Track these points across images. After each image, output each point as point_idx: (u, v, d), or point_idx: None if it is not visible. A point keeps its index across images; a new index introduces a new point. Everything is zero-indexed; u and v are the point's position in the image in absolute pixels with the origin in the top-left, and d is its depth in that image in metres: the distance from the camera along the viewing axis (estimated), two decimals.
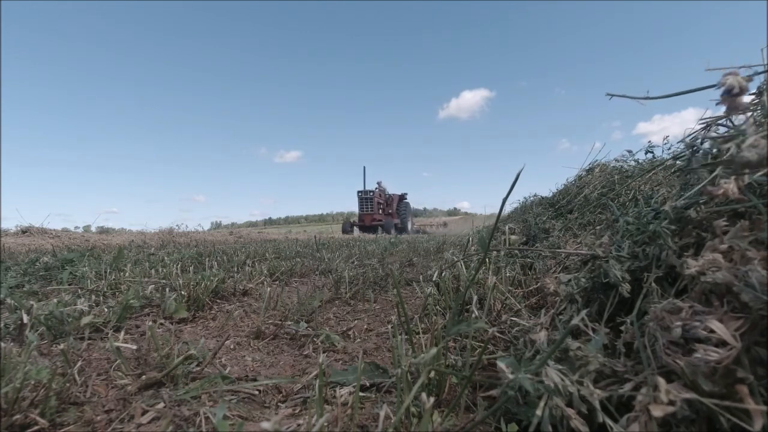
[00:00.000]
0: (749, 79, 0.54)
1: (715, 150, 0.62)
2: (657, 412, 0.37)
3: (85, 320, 1.00)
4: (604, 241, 0.81)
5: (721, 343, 0.41)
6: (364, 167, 18.28)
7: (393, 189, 21.00)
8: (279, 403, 0.69)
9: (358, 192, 17.96)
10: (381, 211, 18.77)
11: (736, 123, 0.72)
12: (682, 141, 0.77)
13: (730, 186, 0.53)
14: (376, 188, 19.30)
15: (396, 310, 1.36)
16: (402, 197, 21.36)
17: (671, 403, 0.38)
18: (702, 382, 0.40)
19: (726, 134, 0.60)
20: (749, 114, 0.72)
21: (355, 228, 17.44)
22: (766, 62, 0.74)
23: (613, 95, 0.78)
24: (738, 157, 0.52)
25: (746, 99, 0.54)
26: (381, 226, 16.26)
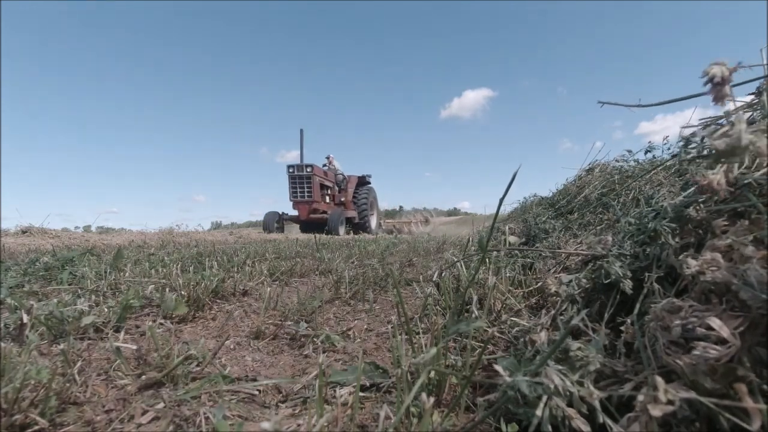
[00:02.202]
0: (733, 69, 0.54)
1: (707, 144, 0.62)
2: (656, 411, 0.37)
3: (86, 320, 1.00)
4: (605, 239, 0.81)
5: (721, 341, 0.41)
6: (302, 130, 11.40)
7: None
8: (279, 403, 0.69)
9: (289, 168, 11.06)
10: (329, 199, 12.26)
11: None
12: (681, 140, 0.77)
13: (717, 177, 0.53)
14: (324, 164, 12.85)
15: (396, 310, 1.36)
16: (363, 180, 14.39)
17: (670, 402, 0.38)
18: (702, 380, 0.40)
19: (715, 128, 0.61)
20: (751, 113, 0.72)
21: (291, 224, 11.57)
22: (766, 62, 0.74)
23: (604, 103, 0.79)
24: (709, 145, 0.52)
25: (729, 89, 0.54)
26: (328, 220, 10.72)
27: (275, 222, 11.02)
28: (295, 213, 11.42)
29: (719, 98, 0.55)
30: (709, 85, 0.55)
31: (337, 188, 13.30)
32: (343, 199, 13.28)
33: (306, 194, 11.11)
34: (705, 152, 0.63)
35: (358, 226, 13.20)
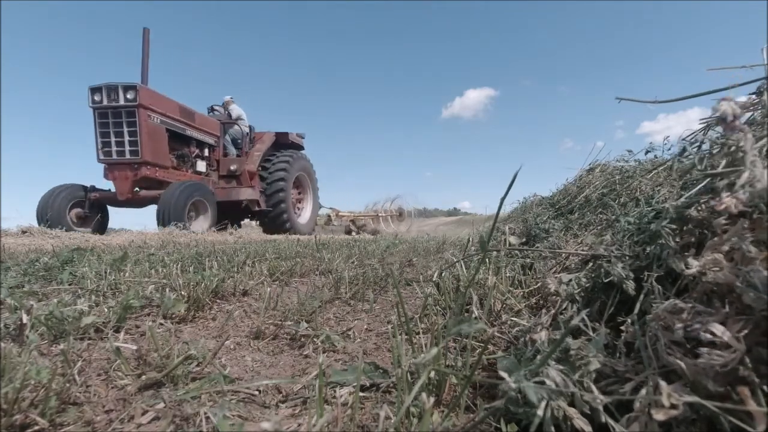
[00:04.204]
0: (743, 104, 0.55)
1: (713, 153, 0.62)
2: (660, 416, 0.37)
3: (86, 320, 1.00)
4: (606, 239, 0.81)
5: (725, 346, 0.41)
6: (145, 29, 6.01)
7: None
8: (279, 403, 0.69)
9: (92, 93, 5.67)
10: (205, 165, 7.20)
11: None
12: (683, 140, 0.77)
13: (732, 201, 0.53)
14: (211, 111, 7.98)
15: (396, 310, 1.36)
16: (284, 140, 8.61)
17: (674, 406, 0.37)
18: (704, 381, 0.40)
19: (722, 150, 0.61)
20: (751, 113, 0.72)
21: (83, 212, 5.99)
22: (766, 62, 0.74)
23: (622, 98, 0.78)
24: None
25: (739, 123, 0.56)
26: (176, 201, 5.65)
27: (69, 206, 5.76)
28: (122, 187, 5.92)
29: (730, 130, 0.56)
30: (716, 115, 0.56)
31: (231, 148, 7.68)
32: (234, 168, 7.34)
33: (128, 148, 5.63)
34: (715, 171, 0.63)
35: (272, 219, 7.80)
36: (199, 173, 7.09)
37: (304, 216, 8.98)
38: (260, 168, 7.91)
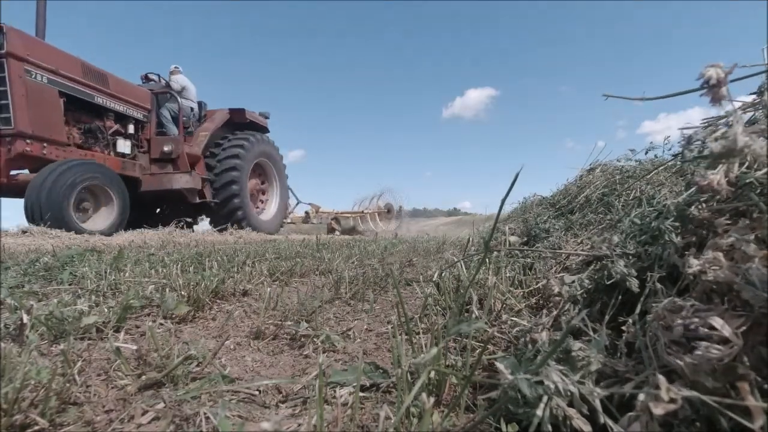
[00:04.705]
0: (729, 71, 0.54)
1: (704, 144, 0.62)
2: (658, 410, 0.37)
3: (86, 320, 1.00)
4: (612, 239, 0.81)
5: (723, 341, 0.41)
6: None
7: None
8: (279, 403, 0.69)
9: None
10: (130, 146, 5.60)
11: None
12: (683, 140, 0.78)
13: (716, 177, 0.53)
14: (146, 80, 6.51)
15: (396, 310, 1.36)
16: (241, 119, 7.14)
17: (672, 401, 0.37)
18: (703, 379, 0.40)
19: (714, 130, 0.61)
20: (753, 112, 0.72)
21: None
22: (766, 62, 0.74)
23: (609, 96, 0.78)
24: (707, 148, 0.52)
25: (726, 90, 0.54)
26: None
27: None
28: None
29: (716, 100, 0.56)
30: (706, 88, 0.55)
31: (171, 127, 6.23)
32: (168, 149, 5.91)
33: None
34: (704, 153, 0.63)
35: (224, 215, 6.51)
36: (122, 155, 5.55)
37: (269, 211, 7.58)
38: (208, 152, 6.52)
